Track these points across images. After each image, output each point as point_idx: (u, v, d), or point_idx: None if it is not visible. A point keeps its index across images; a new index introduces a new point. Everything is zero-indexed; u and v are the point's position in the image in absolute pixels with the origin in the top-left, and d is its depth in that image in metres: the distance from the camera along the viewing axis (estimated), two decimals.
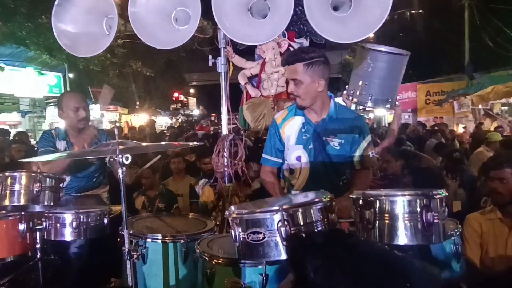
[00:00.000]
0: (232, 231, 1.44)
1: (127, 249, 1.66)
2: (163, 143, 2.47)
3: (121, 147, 1.69)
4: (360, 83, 2.80)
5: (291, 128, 2.27)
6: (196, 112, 31.75)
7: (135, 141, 1.95)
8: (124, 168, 1.68)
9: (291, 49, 12.64)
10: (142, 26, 2.80)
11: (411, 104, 17.80)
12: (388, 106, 2.92)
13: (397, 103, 3.03)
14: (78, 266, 2.36)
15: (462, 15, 17.03)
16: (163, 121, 23.56)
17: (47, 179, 2.12)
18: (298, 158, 2.25)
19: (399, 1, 17.70)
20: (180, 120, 24.74)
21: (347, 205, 1.71)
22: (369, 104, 2.83)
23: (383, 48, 2.88)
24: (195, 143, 2.44)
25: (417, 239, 1.42)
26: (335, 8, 2.75)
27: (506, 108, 15.12)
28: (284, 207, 1.37)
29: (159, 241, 1.98)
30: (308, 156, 2.21)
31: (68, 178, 2.80)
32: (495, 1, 16.05)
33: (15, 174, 2.06)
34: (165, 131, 10.64)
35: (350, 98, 2.95)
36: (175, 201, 3.53)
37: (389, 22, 21.15)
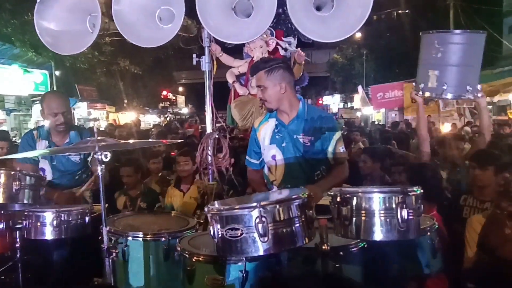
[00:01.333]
0: (211, 227, 1.46)
1: (106, 247, 1.67)
2: (144, 140, 2.44)
3: (101, 144, 1.70)
4: (430, 73, 2.53)
5: (265, 130, 2.44)
6: (185, 110, 31.59)
7: (115, 139, 1.95)
8: (103, 165, 1.68)
9: (279, 47, 12.69)
10: (125, 24, 2.80)
11: (398, 103, 17.98)
12: (470, 96, 2.59)
13: (479, 93, 2.63)
14: (60, 266, 2.35)
15: (448, 15, 17.28)
16: (151, 119, 23.41)
17: (27, 177, 2.11)
18: (273, 157, 2.40)
19: (386, 1, 17.89)
20: (168, 118, 24.59)
21: (316, 193, 1.82)
22: (447, 95, 2.54)
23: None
24: (172, 140, 2.43)
25: (392, 235, 1.45)
26: (318, 8, 2.78)
27: (490, 107, 15.42)
28: (262, 203, 1.39)
29: (140, 239, 1.98)
30: (282, 154, 2.36)
31: (49, 177, 2.78)
32: (479, 1, 16.36)
33: None
34: (152, 130, 10.57)
35: (421, 93, 2.69)
36: (157, 201, 3.51)
37: (377, 22, 21.43)
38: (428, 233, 1.89)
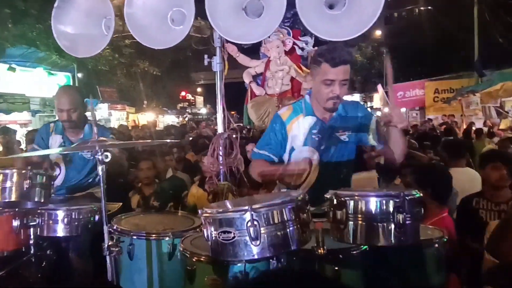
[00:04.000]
0: (205, 230, 1.45)
1: (106, 245, 1.69)
2: (143, 141, 2.43)
3: (101, 143, 1.72)
4: None
5: (298, 127, 2.17)
6: (203, 110, 31.89)
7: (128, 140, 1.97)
8: (104, 165, 1.70)
9: (296, 47, 12.55)
10: (137, 27, 2.85)
11: (418, 102, 17.66)
12: None
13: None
14: (74, 262, 2.42)
15: (472, 11, 16.76)
16: (170, 120, 23.74)
17: (38, 176, 2.16)
18: (307, 159, 2.14)
19: None
20: (186, 119, 24.91)
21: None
22: None
23: None
24: (174, 140, 2.44)
25: (388, 240, 1.41)
26: (330, 7, 2.75)
27: None
28: (253, 206, 1.37)
29: (144, 238, 2.00)
30: (320, 157, 2.15)
31: (63, 173, 2.84)
32: None
33: (7, 171, 2.10)
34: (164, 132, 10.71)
35: None
36: (170, 200, 3.55)
37: (398, 19, 21.02)
38: (436, 245, 1.79)
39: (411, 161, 3.56)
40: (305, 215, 1.46)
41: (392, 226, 1.39)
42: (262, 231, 1.36)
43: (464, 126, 12.63)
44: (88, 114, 3.03)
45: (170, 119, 24.40)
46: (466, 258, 2.34)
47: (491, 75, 13.77)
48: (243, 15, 2.83)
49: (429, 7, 19.54)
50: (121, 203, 3.04)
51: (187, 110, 29.20)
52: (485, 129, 9.61)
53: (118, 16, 2.98)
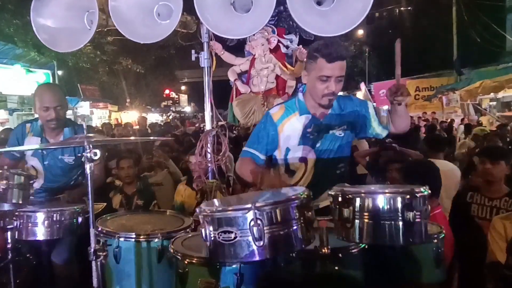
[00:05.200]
0: (203, 229, 1.36)
1: (92, 249, 1.58)
2: (126, 138, 2.29)
3: (91, 140, 1.62)
4: None
5: (291, 127, 2.10)
6: (187, 109, 31.62)
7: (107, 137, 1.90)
8: (92, 163, 1.61)
9: (281, 45, 12.54)
10: (122, 21, 2.77)
11: None
12: None
13: None
14: (55, 267, 2.31)
15: (450, 11, 17.17)
16: (153, 118, 23.46)
17: (15, 176, 2.04)
18: (302, 159, 2.12)
19: None
20: (170, 117, 24.67)
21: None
22: None
23: None
24: (163, 138, 2.35)
25: (397, 239, 1.35)
26: (319, 3, 2.74)
27: (494, 103, 15.34)
28: (257, 204, 1.28)
29: (133, 240, 1.90)
30: (317, 156, 2.10)
31: (41, 179, 2.66)
32: None
33: None
34: (147, 129, 10.49)
35: None
36: (154, 198, 3.45)
37: (379, 19, 21.31)
38: (435, 241, 1.74)
39: (404, 157, 3.58)
40: (309, 213, 1.40)
41: (401, 224, 1.33)
42: (266, 231, 1.28)
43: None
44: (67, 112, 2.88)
45: (154, 117, 24.11)
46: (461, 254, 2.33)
47: (470, 73, 14.13)
48: (232, 10, 2.78)
49: (409, 8, 19.91)
50: (105, 203, 2.95)
51: (171, 109, 28.89)
52: (462, 127, 9.85)
53: (102, 9, 2.89)
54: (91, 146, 1.62)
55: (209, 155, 2.88)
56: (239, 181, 3.12)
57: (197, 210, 1.41)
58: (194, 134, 5.77)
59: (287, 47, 11.70)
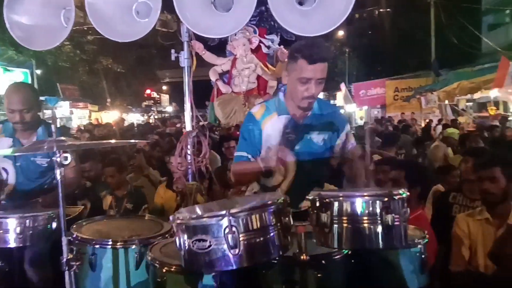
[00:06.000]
0: (177, 238, 1.31)
1: (65, 259, 1.49)
2: (106, 141, 2.13)
3: (60, 144, 1.55)
4: None
5: (272, 126, 2.06)
6: (169, 109, 31.30)
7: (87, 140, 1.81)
8: (62, 168, 1.54)
9: (262, 45, 12.57)
10: (100, 18, 2.71)
11: (380, 100, 18.23)
12: None
13: None
14: (29, 274, 2.21)
15: (428, 13, 17.55)
16: (134, 118, 23.14)
17: None
18: (280, 160, 2.04)
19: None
20: (152, 117, 24.36)
21: None
22: None
23: None
24: (138, 140, 2.26)
25: (377, 243, 1.32)
26: (300, 3, 2.75)
27: (471, 104, 15.77)
28: (232, 211, 1.24)
29: (109, 246, 1.81)
30: (296, 158, 2.03)
31: (12, 180, 2.52)
32: None
33: None
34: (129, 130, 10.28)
35: None
36: (145, 202, 3.35)
37: (359, 20, 21.62)
38: (418, 246, 1.71)
39: (388, 159, 3.59)
40: (286, 219, 1.35)
41: (380, 228, 1.30)
42: (241, 238, 1.24)
43: (423, 124, 13.20)
44: (47, 112, 2.76)
45: (135, 117, 23.78)
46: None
47: (447, 74, 14.45)
48: (212, 9, 2.76)
49: (388, 9, 20.27)
50: (82, 207, 2.85)
51: (152, 109, 28.53)
52: (440, 127, 10.08)
53: (79, 7, 2.82)
54: (60, 151, 1.54)
55: (189, 157, 2.84)
56: (219, 183, 3.08)
57: (170, 218, 1.36)
58: (176, 135, 5.69)
59: (268, 47, 11.75)
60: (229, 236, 1.22)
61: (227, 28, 2.66)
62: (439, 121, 12.20)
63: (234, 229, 1.23)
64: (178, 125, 10.41)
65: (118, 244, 1.83)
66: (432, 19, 17.45)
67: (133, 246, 1.81)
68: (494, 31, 21.01)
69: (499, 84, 9.19)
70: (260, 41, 10.85)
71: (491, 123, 9.98)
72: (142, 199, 3.38)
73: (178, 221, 1.31)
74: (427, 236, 1.73)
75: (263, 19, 9.86)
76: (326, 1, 2.62)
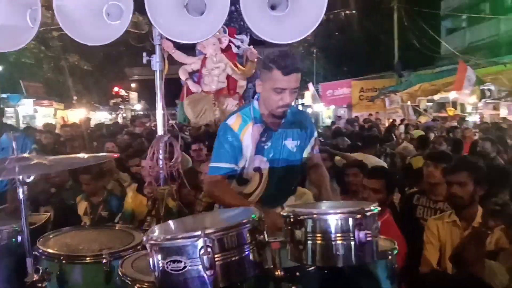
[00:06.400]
0: (150, 259, 1.27)
1: (29, 281, 1.42)
2: (76, 155, 1.92)
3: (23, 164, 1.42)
4: None
5: (248, 136, 2.07)
6: (137, 106, 30.56)
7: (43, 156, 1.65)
8: (25, 187, 1.45)
9: (232, 45, 12.57)
10: (69, 21, 2.64)
11: (346, 100, 18.71)
12: None
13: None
14: None
15: (392, 17, 18.23)
16: (102, 117, 22.42)
17: None
18: (257, 169, 2.10)
19: (335, 1, 18.50)
20: (120, 115, 23.70)
21: (275, 220, 1.65)
22: None
23: None
24: (111, 154, 2.12)
25: (349, 260, 1.34)
26: (272, 7, 2.78)
27: (431, 104, 16.53)
28: (207, 231, 1.21)
29: (78, 261, 1.74)
30: (269, 165, 2.09)
31: None
32: (421, 4, 17.44)
33: None
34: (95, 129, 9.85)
35: None
36: (121, 210, 3.24)
37: (326, 21, 21.97)
38: (389, 257, 1.73)
39: (354, 163, 3.69)
40: (261, 236, 1.34)
41: (352, 244, 1.32)
42: (217, 259, 1.22)
43: (387, 123, 13.69)
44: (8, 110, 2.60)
45: (103, 115, 23.00)
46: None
47: (409, 76, 15.10)
48: (185, 13, 2.75)
49: (354, 11, 20.79)
50: (48, 214, 2.75)
51: (121, 107, 27.72)
52: (402, 127, 10.50)
53: (46, 6, 2.74)
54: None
55: (161, 162, 2.81)
56: (189, 185, 3.08)
57: (144, 238, 1.32)
58: (148, 136, 5.55)
59: (238, 47, 11.76)
60: (205, 257, 1.20)
61: (200, 33, 2.67)
62: (402, 121, 12.71)
63: (209, 249, 1.21)
64: (148, 124, 10.22)
65: (87, 258, 1.76)
66: (395, 23, 18.13)
67: (103, 261, 1.72)
68: (451, 35, 22.17)
69: (458, 88, 9.71)
70: (230, 41, 10.83)
71: (450, 123, 10.54)
72: (118, 207, 3.28)
73: (152, 242, 1.27)
74: (396, 247, 1.77)
75: (232, 19, 9.84)
76: (298, 7, 2.66)
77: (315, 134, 2.27)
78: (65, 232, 2.11)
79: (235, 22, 10.27)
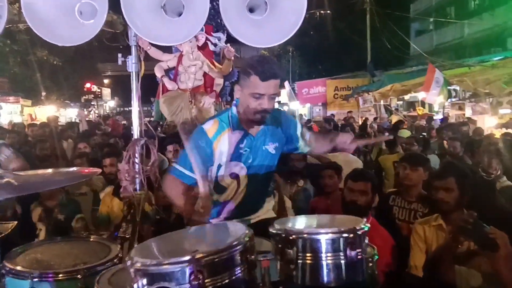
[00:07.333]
0: (135, 284, 1.18)
1: None
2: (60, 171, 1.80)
3: None
4: None
5: (224, 143, 2.03)
6: (111, 103, 29.78)
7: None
8: None
9: (209, 43, 12.40)
10: (38, 20, 2.50)
11: (321, 99, 18.95)
12: None
13: None
14: None
15: (365, 18, 18.64)
16: (73, 114, 21.69)
17: None
18: (234, 175, 2.08)
19: (310, 1, 18.72)
20: (92, 112, 22.99)
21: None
22: None
23: None
24: (92, 170, 2.00)
25: (340, 279, 1.33)
26: (251, 10, 2.75)
27: (401, 102, 17.04)
28: (197, 256, 1.16)
29: (51, 279, 1.60)
30: (247, 171, 2.08)
31: None
32: (391, 7, 17.95)
33: None
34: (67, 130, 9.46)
35: None
36: (78, 211, 3.14)
37: (302, 21, 22.23)
38: (370, 264, 1.72)
39: (329, 164, 3.72)
40: (253, 256, 1.31)
41: (343, 263, 1.32)
42: (207, 283, 1.17)
43: (360, 121, 13.97)
44: None
45: (74, 113, 22.26)
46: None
47: (381, 75, 15.44)
48: (162, 14, 2.67)
49: (329, 11, 21.09)
50: (15, 222, 2.61)
51: (93, 103, 26.89)
52: (375, 125, 10.75)
53: (13, 2, 2.60)
54: None
55: (137, 166, 2.73)
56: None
57: (127, 262, 1.23)
58: (124, 137, 5.38)
59: (215, 45, 11.60)
60: (195, 283, 1.15)
61: (180, 35, 2.59)
62: (375, 119, 13.01)
63: (199, 275, 1.16)
64: (123, 122, 9.94)
65: (60, 275, 1.63)
66: (368, 24, 18.56)
67: (78, 276, 1.61)
68: (420, 37, 22.96)
69: (426, 89, 10.04)
70: (207, 38, 10.68)
71: (419, 122, 10.89)
72: (75, 210, 3.17)
73: (137, 267, 1.19)
74: (376, 253, 1.82)
75: (209, 16, 9.67)
76: (277, 11, 2.64)
77: (299, 126, 2.26)
78: (34, 246, 1.95)
79: (211, 20, 10.10)
